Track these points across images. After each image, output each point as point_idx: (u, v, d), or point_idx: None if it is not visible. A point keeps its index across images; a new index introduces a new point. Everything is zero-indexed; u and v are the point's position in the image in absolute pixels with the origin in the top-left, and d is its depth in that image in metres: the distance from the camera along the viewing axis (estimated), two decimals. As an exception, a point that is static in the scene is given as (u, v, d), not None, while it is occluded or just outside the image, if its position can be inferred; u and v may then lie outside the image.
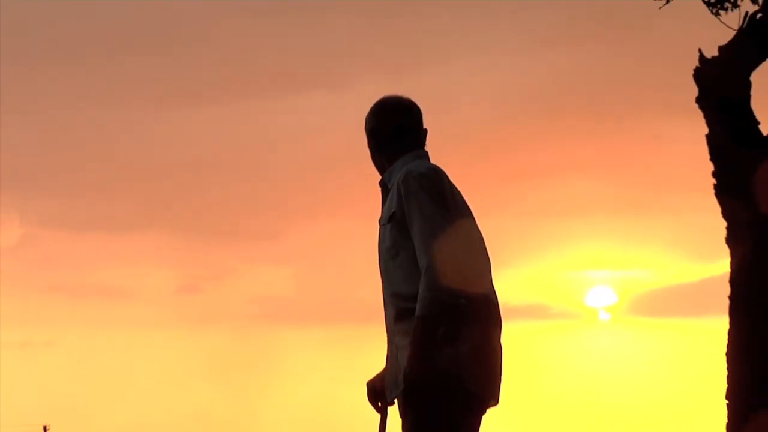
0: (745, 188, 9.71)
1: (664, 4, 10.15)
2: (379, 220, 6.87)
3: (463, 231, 6.75)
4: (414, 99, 7.06)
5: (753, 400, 9.69)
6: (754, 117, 9.80)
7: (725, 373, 9.85)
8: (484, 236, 6.92)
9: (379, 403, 6.86)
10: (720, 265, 8.17)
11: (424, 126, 7.02)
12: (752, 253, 9.75)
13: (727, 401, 9.75)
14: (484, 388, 6.61)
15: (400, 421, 6.80)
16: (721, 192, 9.84)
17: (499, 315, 6.76)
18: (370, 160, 7.26)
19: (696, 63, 9.89)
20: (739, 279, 9.67)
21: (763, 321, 9.59)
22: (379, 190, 6.97)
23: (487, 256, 6.82)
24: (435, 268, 6.62)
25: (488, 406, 6.64)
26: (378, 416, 6.90)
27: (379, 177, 7.06)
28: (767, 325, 9.60)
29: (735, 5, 9.85)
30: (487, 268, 6.78)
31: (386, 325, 6.82)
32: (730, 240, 9.80)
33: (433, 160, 6.90)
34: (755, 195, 9.95)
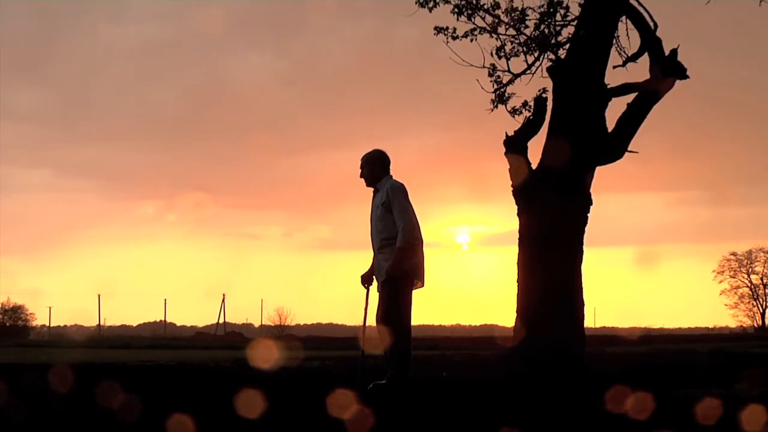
0: (525, 193, 12.23)
1: (491, 110, 13.07)
2: (372, 204, 9.11)
3: (412, 210, 9.04)
4: (387, 150, 9.24)
5: (530, 287, 11.84)
6: (529, 161, 12.26)
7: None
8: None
9: (366, 285, 9.30)
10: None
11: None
12: (523, 219, 12.15)
13: (517, 282, 12.00)
14: (420, 278, 9.11)
15: (377, 296, 9.18)
16: (515, 195, 12.33)
17: (423, 243, 9.14)
18: (362, 177, 9.26)
19: (503, 137, 12.46)
20: (520, 229, 12.20)
21: (530, 250, 11.98)
22: (371, 192, 9.33)
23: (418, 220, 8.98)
24: (405, 227, 8.87)
25: (418, 287, 9.15)
26: (364, 291, 9.27)
27: (364, 185, 9.28)
28: (533, 251, 11.88)
29: (521, 112, 12.95)
30: (419, 226, 9.00)
31: (373, 250, 9.14)
32: (519, 214, 12.24)
33: (396, 177, 9.15)
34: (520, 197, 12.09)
